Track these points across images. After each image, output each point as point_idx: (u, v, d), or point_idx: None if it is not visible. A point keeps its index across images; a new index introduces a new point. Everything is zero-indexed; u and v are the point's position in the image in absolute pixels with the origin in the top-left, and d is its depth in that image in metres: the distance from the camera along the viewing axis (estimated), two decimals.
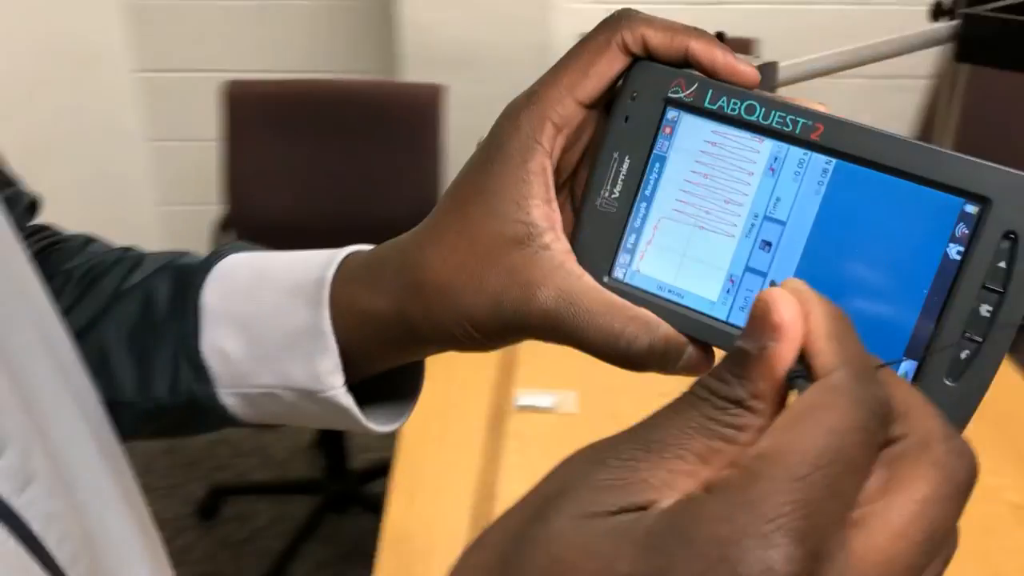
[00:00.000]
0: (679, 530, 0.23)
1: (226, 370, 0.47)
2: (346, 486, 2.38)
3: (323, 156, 2.24)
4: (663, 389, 0.29)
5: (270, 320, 0.46)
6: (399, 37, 2.54)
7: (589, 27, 0.39)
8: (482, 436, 1.26)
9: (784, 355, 0.25)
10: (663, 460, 0.25)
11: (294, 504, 2.39)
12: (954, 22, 0.81)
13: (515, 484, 1.14)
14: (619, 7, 0.39)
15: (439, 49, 2.55)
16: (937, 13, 0.90)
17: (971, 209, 0.33)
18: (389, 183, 2.21)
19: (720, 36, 0.48)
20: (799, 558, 0.22)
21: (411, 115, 2.20)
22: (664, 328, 0.38)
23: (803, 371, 0.25)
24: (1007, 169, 0.33)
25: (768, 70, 0.40)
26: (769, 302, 0.26)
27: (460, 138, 2.29)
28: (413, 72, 2.52)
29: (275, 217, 2.25)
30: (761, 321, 0.26)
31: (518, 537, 0.25)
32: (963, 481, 0.25)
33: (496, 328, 0.40)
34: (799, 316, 0.26)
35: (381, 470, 1.92)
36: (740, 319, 0.37)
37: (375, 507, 1.49)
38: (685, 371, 0.38)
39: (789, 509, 0.22)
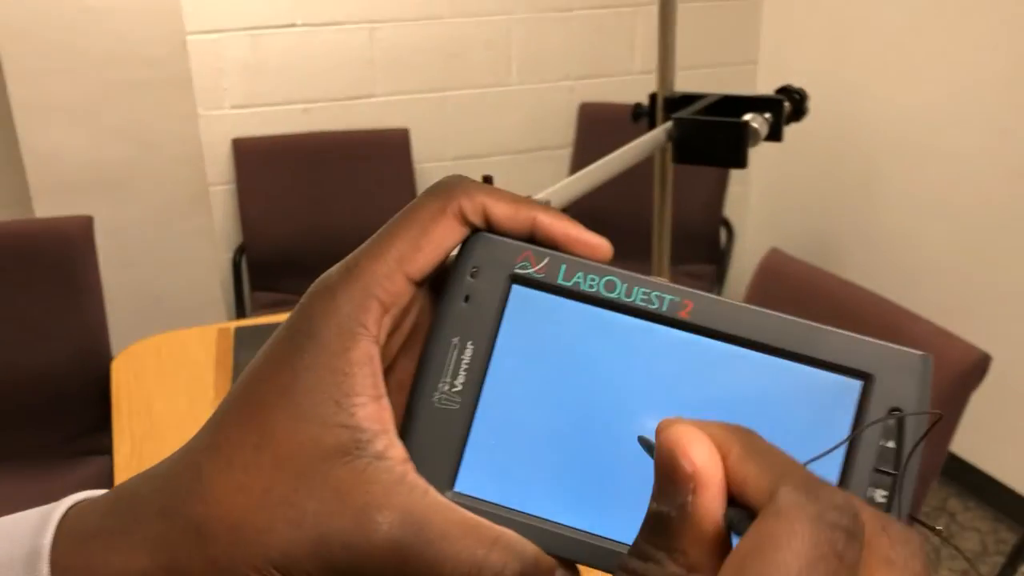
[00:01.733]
0: None
1: None
2: None
3: None
4: None
5: None
6: (25, 169, 2.30)
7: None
8: None
9: (710, 506, 0.22)
10: None
11: None
12: (667, 125, 0.88)
13: None
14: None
15: (73, 177, 2.35)
16: (637, 115, 0.98)
17: (854, 387, 0.31)
18: (48, 333, 1.96)
19: (487, 179, 0.46)
20: None
21: (58, 253, 1.98)
22: (531, 549, 0.31)
23: (741, 512, 0.22)
24: (886, 344, 0.31)
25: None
26: (674, 447, 0.22)
27: (112, 271, 2.12)
28: (47, 206, 2.30)
29: None
30: (671, 473, 0.22)
31: None
32: (920, 571, 0.22)
33: (318, 572, 0.30)
34: (713, 453, 0.22)
35: None
36: (609, 529, 0.33)
37: None
38: None
39: None
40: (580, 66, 3.00)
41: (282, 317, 1.74)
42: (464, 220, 0.33)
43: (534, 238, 0.34)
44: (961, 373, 1.42)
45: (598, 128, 2.97)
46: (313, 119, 2.76)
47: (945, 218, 2.62)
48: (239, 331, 1.88)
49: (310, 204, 2.73)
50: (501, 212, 0.33)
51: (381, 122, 2.83)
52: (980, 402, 1.52)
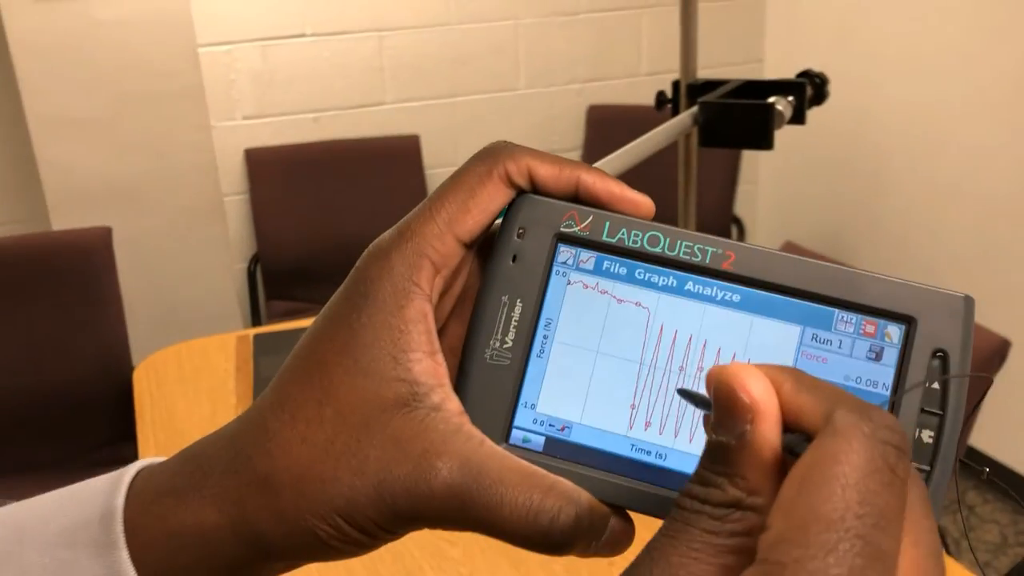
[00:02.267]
0: None
1: None
2: None
3: None
4: None
5: None
6: (42, 182, 2.32)
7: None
8: None
9: (768, 434, 0.23)
10: None
11: None
12: (692, 110, 0.89)
13: None
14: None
15: (89, 189, 2.36)
16: (660, 103, 0.99)
17: (897, 330, 0.32)
18: (69, 345, 1.97)
19: None
20: None
21: (78, 265, 1.99)
22: (586, 497, 0.32)
23: (798, 436, 0.23)
24: (928, 286, 0.32)
25: None
26: (732, 383, 0.24)
27: (131, 281, 2.13)
28: (64, 218, 2.31)
29: None
30: (730, 406, 0.23)
31: None
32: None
33: (381, 519, 0.31)
34: (768, 385, 0.24)
35: None
36: (662, 478, 0.34)
37: None
38: (608, 549, 0.33)
39: None
40: (587, 69, 3.02)
41: (301, 323, 1.74)
42: (510, 183, 0.34)
43: (578, 198, 0.35)
44: (981, 360, 1.42)
45: (607, 130, 2.98)
46: (324, 128, 2.78)
47: (957, 210, 2.62)
48: (258, 338, 1.89)
49: (323, 212, 2.74)
50: (545, 173, 0.34)
51: (391, 129, 2.84)
52: (997, 394, 1.52)
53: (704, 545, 0.22)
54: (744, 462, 0.23)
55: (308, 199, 2.74)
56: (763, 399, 0.23)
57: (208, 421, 1.65)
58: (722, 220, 2.98)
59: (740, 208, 3.07)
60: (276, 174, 2.71)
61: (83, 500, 0.34)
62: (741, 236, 3.07)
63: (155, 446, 1.60)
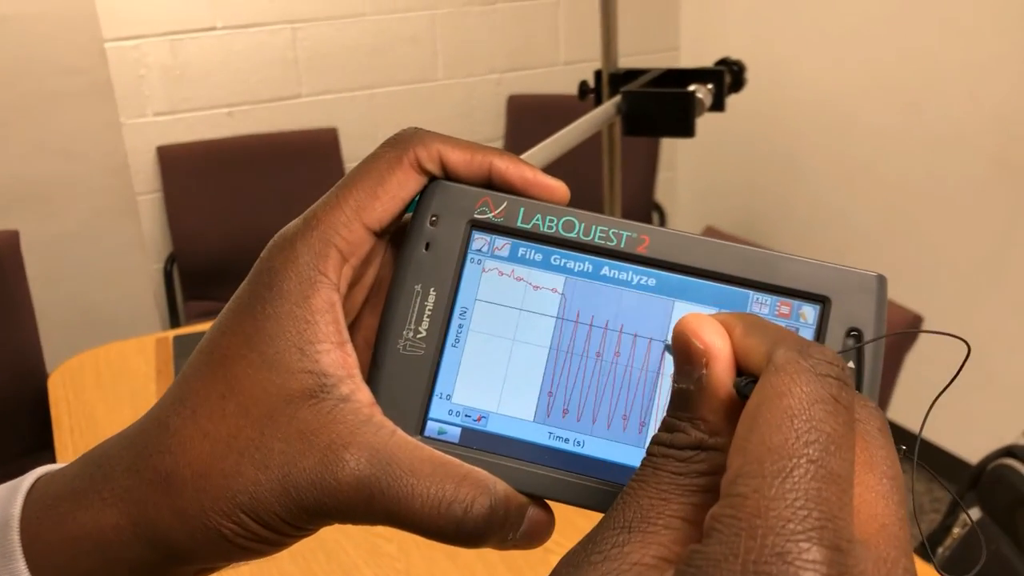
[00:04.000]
0: None
1: None
2: None
3: None
4: None
5: None
6: None
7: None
8: None
9: (721, 376, 0.24)
10: (648, 536, 0.23)
11: None
12: (615, 100, 0.90)
13: None
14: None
15: None
16: (583, 92, 0.99)
17: (812, 311, 0.32)
18: None
19: None
20: (824, 560, 0.19)
21: None
22: (502, 487, 0.31)
23: (746, 378, 0.24)
24: (842, 266, 0.32)
25: None
26: (687, 330, 0.25)
27: (41, 286, 2.06)
28: None
29: None
30: (687, 353, 0.25)
31: None
32: (883, 427, 0.25)
33: (287, 515, 0.30)
34: (721, 331, 0.25)
35: None
36: (580, 465, 0.33)
37: None
38: (526, 540, 0.32)
39: (789, 514, 0.20)
40: (506, 59, 3.02)
41: None
42: (421, 169, 0.33)
43: (492, 183, 0.34)
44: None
45: (528, 119, 2.99)
46: (238, 123, 2.72)
47: (868, 191, 2.70)
48: (178, 339, 1.85)
49: (240, 209, 2.69)
50: (457, 159, 0.34)
51: (309, 122, 2.80)
52: (911, 368, 1.57)
53: (672, 487, 0.23)
54: (703, 405, 0.24)
55: (224, 196, 2.68)
56: (715, 343, 0.24)
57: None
58: (644, 207, 3.02)
59: (661, 195, 3.11)
60: (190, 171, 2.65)
61: None
62: (662, 222, 3.11)
63: (74, 454, 1.55)
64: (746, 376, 0.24)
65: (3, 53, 2.24)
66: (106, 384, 1.75)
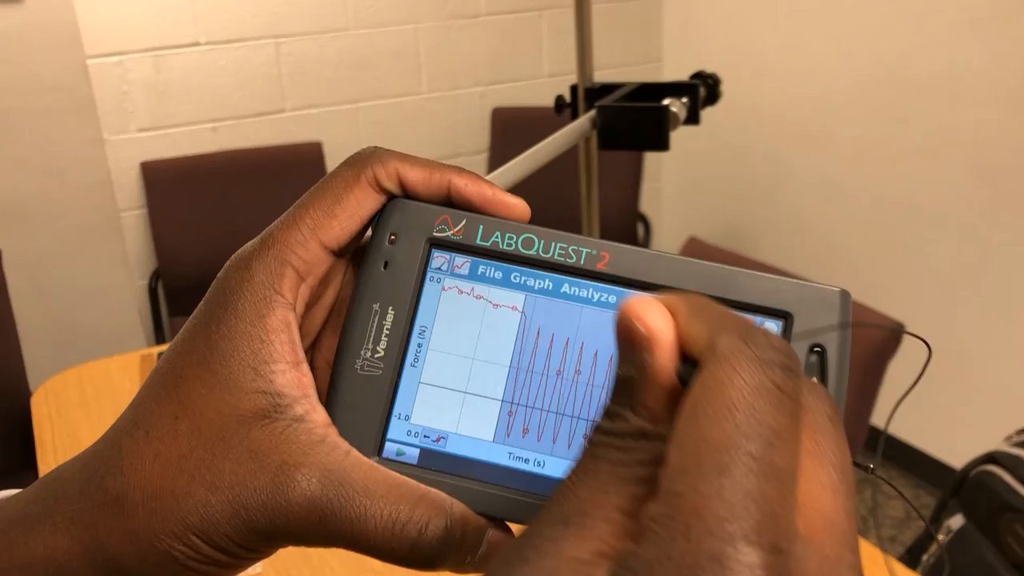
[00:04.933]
0: None
1: None
2: None
3: None
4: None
5: None
6: None
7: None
8: None
9: (664, 362, 0.23)
10: (586, 530, 0.21)
11: None
12: (590, 114, 0.90)
13: None
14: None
15: None
16: (559, 107, 1.00)
17: (773, 326, 0.32)
18: None
19: None
20: (761, 564, 0.18)
21: None
22: (459, 507, 0.31)
23: (688, 365, 0.23)
24: (804, 282, 0.32)
25: None
26: (630, 314, 0.23)
27: (24, 304, 2.05)
28: None
29: None
30: (629, 338, 0.23)
31: None
32: (832, 415, 0.24)
33: (238, 537, 0.30)
34: (665, 315, 0.24)
35: None
36: (540, 485, 0.33)
37: None
38: (485, 563, 0.31)
39: (726, 513, 0.19)
40: (489, 72, 3.03)
41: None
42: (380, 187, 0.33)
43: (451, 201, 0.34)
44: (877, 342, 1.47)
45: (512, 132, 3.00)
46: (222, 138, 2.72)
47: (847, 200, 2.72)
48: (162, 356, 1.84)
49: (225, 224, 2.68)
50: (415, 177, 0.33)
51: (293, 137, 2.80)
52: (895, 375, 1.58)
53: (612, 477, 0.22)
54: (645, 391, 0.23)
55: (209, 211, 2.68)
56: (658, 327, 0.23)
57: None
58: (628, 218, 3.02)
59: (645, 205, 3.12)
60: (175, 187, 2.64)
61: None
62: (647, 233, 3.12)
63: None
64: (690, 363, 0.23)
65: None
66: (90, 402, 1.74)
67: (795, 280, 0.32)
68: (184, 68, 2.63)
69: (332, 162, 2.82)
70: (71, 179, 2.41)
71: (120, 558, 0.30)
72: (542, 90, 3.08)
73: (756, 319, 0.32)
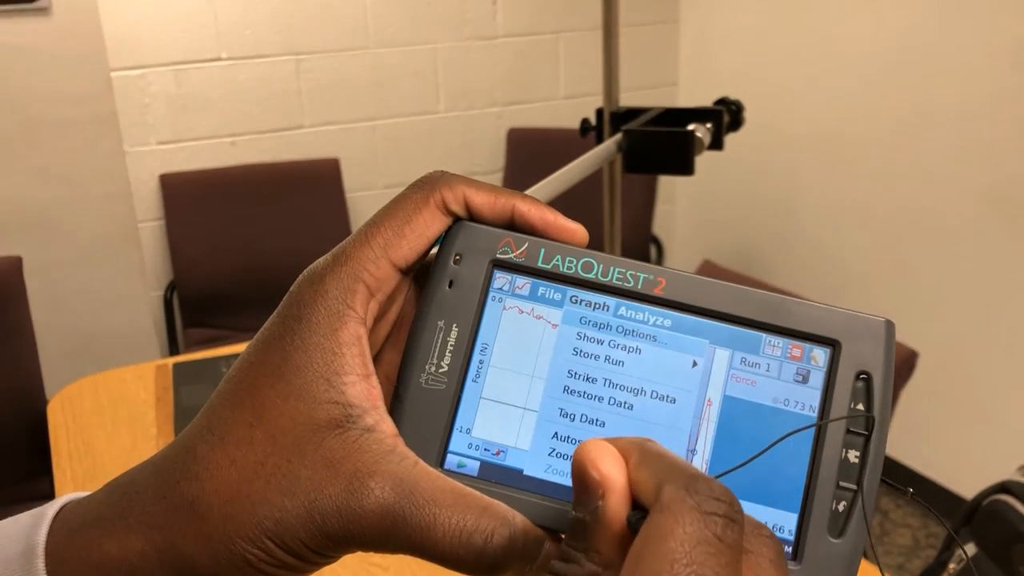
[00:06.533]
0: None
1: None
2: None
3: None
4: None
5: None
6: None
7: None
8: None
9: (616, 509, 0.24)
10: None
11: None
12: (616, 138, 0.92)
13: None
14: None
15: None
16: (584, 130, 1.01)
17: (822, 354, 0.33)
18: None
19: None
20: None
21: None
22: (520, 519, 0.32)
23: (638, 513, 0.24)
24: (852, 311, 0.33)
25: None
26: (584, 460, 0.25)
27: (42, 311, 2.07)
28: None
29: None
30: (583, 482, 0.25)
31: None
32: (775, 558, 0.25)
33: (312, 542, 0.31)
34: (618, 461, 0.25)
35: None
36: None
37: None
38: (542, 573, 0.32)
39: None
40: (506, 92, 3.05)
41: (221, 351, 1.70)
42: (446, 210, 0.35)
43: (514, 225, 0.35)
44: None
45: (527, 152, 3.02)
46: (241, 152, 2.75)
47: (862, 225, 2.72)
48: (177, 367, 1.85)
49: (241, 238, 2.70)
50: (481, 201, 0.35)
51: (311, 153, 2.82)
52: (906, 402, 1.58)
53: None
54: (598, 536, 0.24)
55: (226, 225, 2.70)
56: (610, 474, 0.24)
57: (128, 453, 1.61)
58: (641, 240, 3.04)
59: (659, 228, 3.14)
60: (192, 200, 2.67)
61: (6, 538, 0.33)
62: (660, 255, 3.13)
63: (72, 480, 1.55)
64: (638, 511, 0.24)
65: (11, 81, 2.27)
66: (105, 411, 1.75)
67: (843, 309, 0.33)
68: (205, 82, 2.66)
69: (348, 178, 2.84)
70: (91, 189, 2.44)
71: (193, 560, 0.31)
72: (558, 111, 3.10)
73: (806, 346, 0.33)
